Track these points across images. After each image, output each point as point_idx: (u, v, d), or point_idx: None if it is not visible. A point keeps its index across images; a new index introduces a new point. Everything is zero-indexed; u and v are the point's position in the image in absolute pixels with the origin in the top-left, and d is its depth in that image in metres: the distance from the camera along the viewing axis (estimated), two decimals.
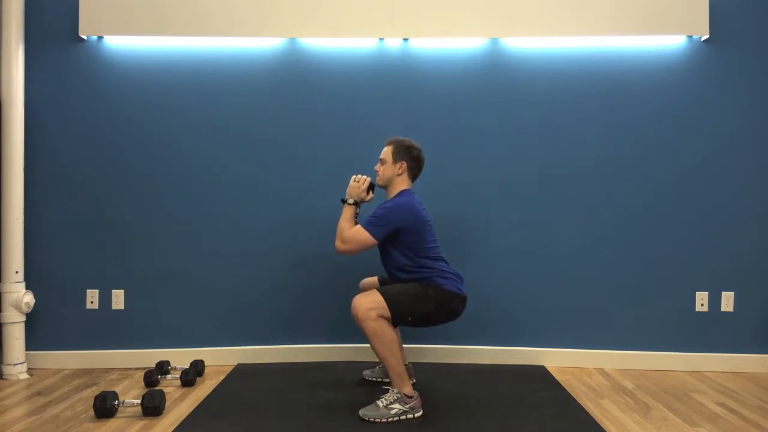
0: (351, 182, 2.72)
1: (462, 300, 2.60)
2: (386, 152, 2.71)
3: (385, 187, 2.73)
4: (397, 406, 2.45)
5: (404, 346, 3.00)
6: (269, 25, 3.22)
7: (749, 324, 3.23)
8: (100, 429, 2.36)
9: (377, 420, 2.41)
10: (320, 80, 3.29)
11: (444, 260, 2.66)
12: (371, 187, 2.74)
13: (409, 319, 2.54)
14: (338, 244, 2.60)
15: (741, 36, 3.23)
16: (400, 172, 2.68)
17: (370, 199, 2.75)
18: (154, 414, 2.48)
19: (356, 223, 2.66)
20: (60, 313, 3.24)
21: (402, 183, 2.70)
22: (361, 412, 2.45)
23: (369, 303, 2.44)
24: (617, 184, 3.27)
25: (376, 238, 2.55)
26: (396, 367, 2.46)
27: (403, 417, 2.45)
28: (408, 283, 2.58)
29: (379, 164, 2.73)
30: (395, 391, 2.48)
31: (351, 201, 2.68)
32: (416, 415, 2.48)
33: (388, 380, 2.91)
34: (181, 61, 3.27)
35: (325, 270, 3.30)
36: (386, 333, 2.44)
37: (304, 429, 2.35)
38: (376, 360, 3.19)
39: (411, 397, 2.47)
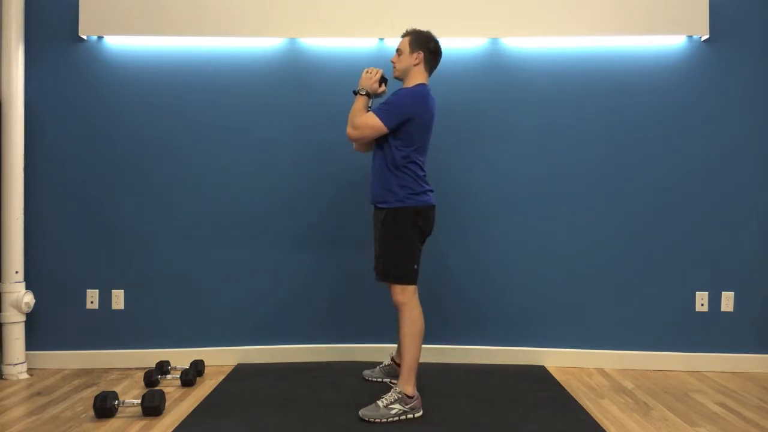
0: (363, 74, 2.70)
1: (428, 210, 2.61)
2: (403, 42, 2.68)
3: (401, 79, 2.70)
4: (397, 406, 2.45)
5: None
6: (269, 25, 3.22)
7: (749, 324, 3.23)
8: (100, 429, 2.36)
9: (377, 420, 2.41)
10: (320, 80, 3.29)
11: (423, 171, 2.63)
12: (383, 80, 2.72)
13: (415, 267, 2.57)
14: (349, 130, 2.60)
15: (741, 36, 3.23)
16: (416, 62, 2.64)
17: (382, 92, 2.73)
18: (154, 414, 2.48)
19: None
20: (60, 313, 3.24)
21: (418, 75, 2.65)
22: (361, 413, 2.45)
23: (397, 289, 2.55)
24: (617, 184, 3.27)
25: (387, 125, 2.53)
26: (412, 360, 2.50)
27: (403, 417, 2.45)
28: (383, 242, 2.60)
29: (395, 56, 2.70)
30: (397, 390, 2.48)
31: (363, 92, 2.66)
32: (416, 415, 2.48)
33: (387, 380, 2.92)
34: (181, 61, 3.27)
35: (325, 270, 3.30)
36: (419, 322, 2.54)
37: (304, 429, 2.35)
38: (376, 360, 3.19)
39: (412, 398, 2.48)
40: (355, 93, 2.67)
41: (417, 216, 2.57)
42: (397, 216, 2.56)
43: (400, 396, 2.47)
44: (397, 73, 2.70)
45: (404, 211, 2.55)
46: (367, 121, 2.55)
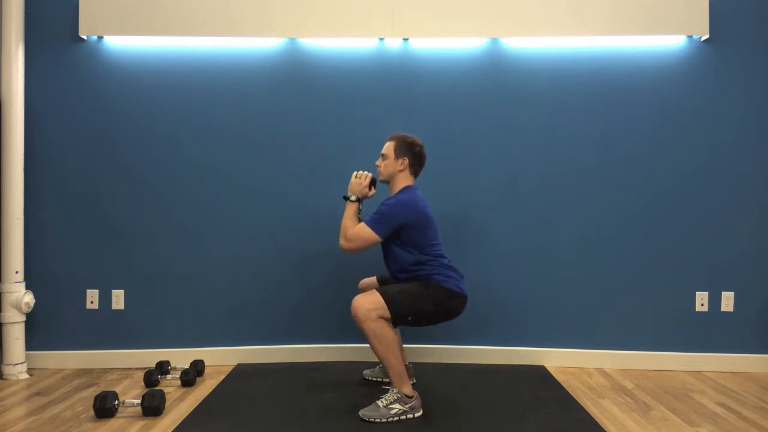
0: (352, 179, 2.71)
1: (462, 299, 2.60)
2: (388, 148, 2.71)
3: (386, 182, 2.73)
4: (397, 406, 2.45)
5: (404, 346, 3.00)
6: (269, 25, 3.22)
7: (749, 324, 3.23)
8: (100, 429, 2.36)
9: (377, 420, 2.41)
10: (320, 80, 3.29)
11: (446, 257, 2.65)
12: (373, 182, 2.74)
13: (409, 318, 2.54)
14: (342, 242, 2.60)
15: (741, 36, 3.23)
16: (401, 168, 2.68)
17: (372, 195, 2.75)
18: (154, 414, 2.48)
19: (360, 220, 2.65)
20: (60, 313, 3.24)
21: (404, 179, 2.70)
22: (361, 413, 2.45)
23: (369, 303, 2.43)
24: (617, 184, 3.27)
25: (380, 235, 2.55)
26: (396, 367, 2.46)
27: (403, 417, 2.45)
28: (408, 282, 2.58)
29: (380, 159, 2.73)
30: (395, 391, 2.47)
31: (353, 198, 2.68)
32: (416, 415, 2.48)
33: (388, 380, 2.91)
34: (181, 61, 3.27)
35: (325, 270, 3.30)
36: (386, 333, 2.44)
37: (303, 429, 2.35)
38: (376, 360, 3.19)
39: (411, 397, 2.47)
40: (346, 199, 2.68)
41: (450, 299, 2.55)
42: (430, 287, 2.53)
43: (399, 396, 2.46)
44: (382, 177, 2.74)
45: (438, 288, 2.53)
46: (359, 234, 2.55)
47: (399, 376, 2.47)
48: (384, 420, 2.42)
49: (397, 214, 2.55)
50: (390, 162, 2.69)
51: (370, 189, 2.73)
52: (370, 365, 3.13)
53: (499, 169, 3.29)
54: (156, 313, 3.27)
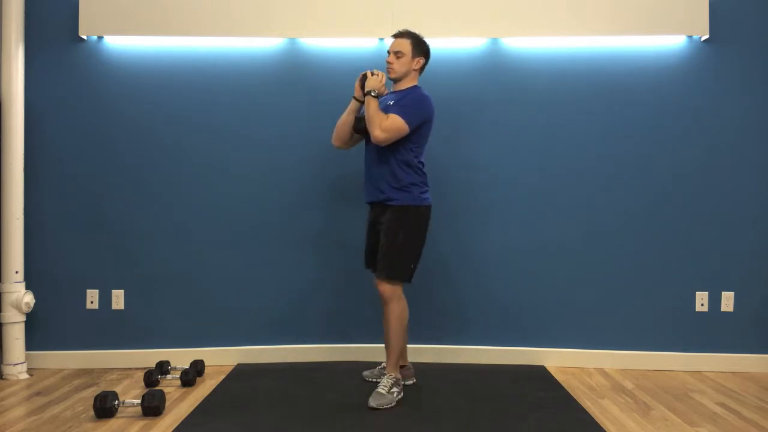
0: (369, 76, 2.69)
1: (428, 209, 2.69)
2: (404, 45, 2.69)
3: (397, 80, 2.73)
4: (395, 389, 2.63)
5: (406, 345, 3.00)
6: (269, 25, 3.22)
7: (749, 324, 3.23)
8: (100, 429, 2.36)
9: (388, 406, 2.55)
10: (320, 80, 3.29)
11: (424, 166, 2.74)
12: None
13: (412, 266, 2.64)
14: (378, 133, 2.58)
15: (741, 36, 3.23)
16: (417, 67, 2.71)
17: (385, 93, 2.77)
18: (154, 414, 2.48)
19: None
20: (60, 313, 3.24)
21: (413, 79, 2.74)
22: (371, 404, 2.54)
23: (386, 286, 2.61)
24: (617, 184, 3.27)
25: (410, 126, 2.59)
26: (400, 349, 2.68)
27: (399, 398, 2.63)
28: (391, 239, 2.62)
29: (393, 57, 2.71)
30: (391, 375, 2.64)
31: (374, 93, 2.67)
32: (407, 383, 2.81)
33: None
34: (181, 61, 3.27)
35: (325, 270, 3.30)
36: (405, 315, 2.67)
37: (304, 429, 2.35)
38: (376, 360, 3.19)
39: (399, 379, 2.68)
40: (367, 94, 2.67)
41: (428, 215, 2.68)
42: (412, 214, 2.63)
43: (395, 380, 2.65)
44: (394, 75, 2.73)
45: (420, 209, 2.64)
46: (394, 124, 2.58)
47: (398, 357, 2.68)
48: (391, 405, 2.56)
49: (425, 107, 2.64)
50: (406, 60, 2.68)
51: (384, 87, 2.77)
52: (371, 365, 3.13)
53: (499, 169, 3.29)
54: (156, 313, 3.27)
